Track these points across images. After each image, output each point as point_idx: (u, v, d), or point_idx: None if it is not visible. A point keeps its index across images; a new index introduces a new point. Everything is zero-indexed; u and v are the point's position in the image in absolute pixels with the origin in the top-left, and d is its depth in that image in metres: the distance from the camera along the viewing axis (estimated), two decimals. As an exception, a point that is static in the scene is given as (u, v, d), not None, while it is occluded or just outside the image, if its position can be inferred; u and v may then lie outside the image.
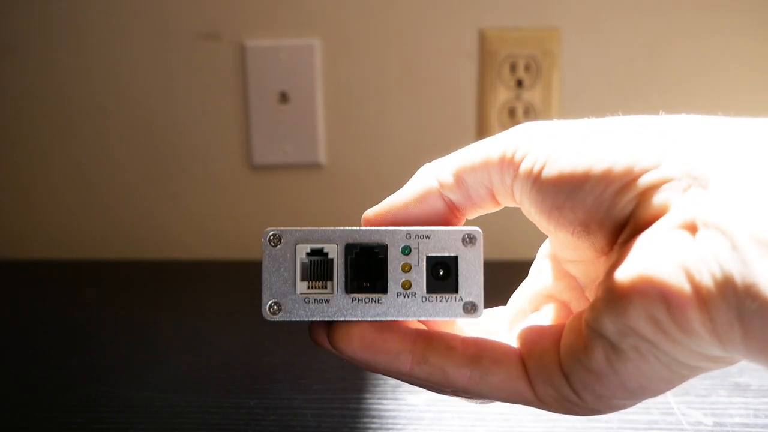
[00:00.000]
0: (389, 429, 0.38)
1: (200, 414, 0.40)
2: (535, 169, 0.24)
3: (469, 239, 0.25)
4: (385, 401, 0.41)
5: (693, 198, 0.21)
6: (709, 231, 0.20)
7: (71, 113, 0.76)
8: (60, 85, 0.76)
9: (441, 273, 0.25)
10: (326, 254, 0.25)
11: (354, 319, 0.25)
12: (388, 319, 0.25)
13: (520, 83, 0.71)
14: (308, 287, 0.25)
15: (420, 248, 0.25)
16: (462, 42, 0.72)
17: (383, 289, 0.25)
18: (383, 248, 0.25)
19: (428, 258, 0.25)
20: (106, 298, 0.64)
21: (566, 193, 0.23)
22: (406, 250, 0.25)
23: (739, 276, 0.19)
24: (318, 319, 0.25)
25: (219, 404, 0.41)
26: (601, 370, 0.23)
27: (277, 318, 0.25)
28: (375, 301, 0.25)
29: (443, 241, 0.25)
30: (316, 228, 0.25)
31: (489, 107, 0.72)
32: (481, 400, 0.27)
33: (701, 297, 0.20)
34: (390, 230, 0.25)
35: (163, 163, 0.77)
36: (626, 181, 0.22)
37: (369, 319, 0.25)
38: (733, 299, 0.19)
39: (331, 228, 0.25)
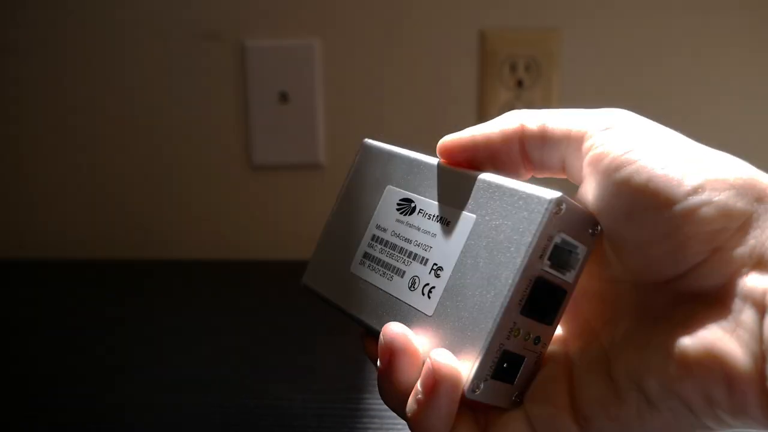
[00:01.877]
0: (389, 429, 0.38)
1: (200, 414, 0.40)
2: (625, 170, 0.23)
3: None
4: (385, 401, 0.41)
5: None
6: None
7: (71, 113, 0.76)
8: (60, 85, 0.76)
9: (505, 366, 0.24)
10: (577, 250, 0.24)
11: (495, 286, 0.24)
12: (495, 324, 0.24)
13: (520, 83, 0.71)
14: (550, 262, 0.24)
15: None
16: (462, 42, 0.72)
17: (549, 320, 0.25)
18: (563, 293, 0.25)
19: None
20: (106, 298, 0.64)
21: (645, 207, 0.22)
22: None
23: None
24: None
25: (219, 404, 0.41)
26: (630, 421, 0.23)
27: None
28: (516, 301, 0.24)
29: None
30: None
31: (489, 107, 0.72)
32: None
33: (764, 384, 0.19)
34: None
35: (163, 163, 0.77)
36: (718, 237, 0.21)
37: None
38: None
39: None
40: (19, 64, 0.75)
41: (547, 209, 0.23)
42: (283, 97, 0.74)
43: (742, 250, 0.21)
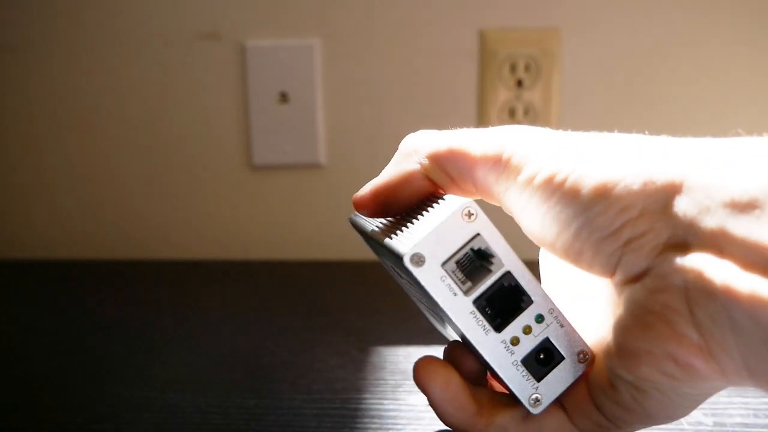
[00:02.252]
0: (389, 429, 0.38)
1: (200, 414, 0.40)
2: (556, 179, 0.23)
3: (584, 357, 0.26)
4: (385, 401, 0.41)
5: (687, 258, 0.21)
6: (704, 286, 0.20)
7: (71, 113, 0.76)
8: (60, 85, 0.76)
9: (542, 357, 0.26)
10: (491, 261, 0.25)
11: (451, 329, 0.27)
12: (473, 347, 0.26)
13: (520, 83, 0.71)
14: (453, 269, 0.24)
15: (548, 328, 0.26)
16: (462, 42, 0.72)
17: (498, 328, 0.25)
18: (529, 300, 0.25)
19: (545, 339, 0.26)
20: (106, 298, 0.64)
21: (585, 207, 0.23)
22: (539, 319, 0.25)
23: (736, 326, 0.19)
24: (425, 298, 0.26)
25: (219, 404, 0.41)
26: (628, 405, 0.24)
27: (411, 270, 0.24)
28: (483, 329, 0.25)
29: (565, 341, 0.26)
30: (504, 241, 0.25)
31: (489, 107, 0.72)
32: None
33: (706, 349, 0.20)
34: (544, 296, 0.25)
35: (163, 162, 0.77)
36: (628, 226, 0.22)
37: (457, 337, 0.27)
38: (736, 350, 0.20)
39: (512, 250, 0.25)
40: (18, 63, 0.75)
41: (411, 261, 0.24)
42: (283, 97, 0.74)
43: (653, 237, 0.21)
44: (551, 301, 0.26)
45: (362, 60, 0.73)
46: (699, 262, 0.20)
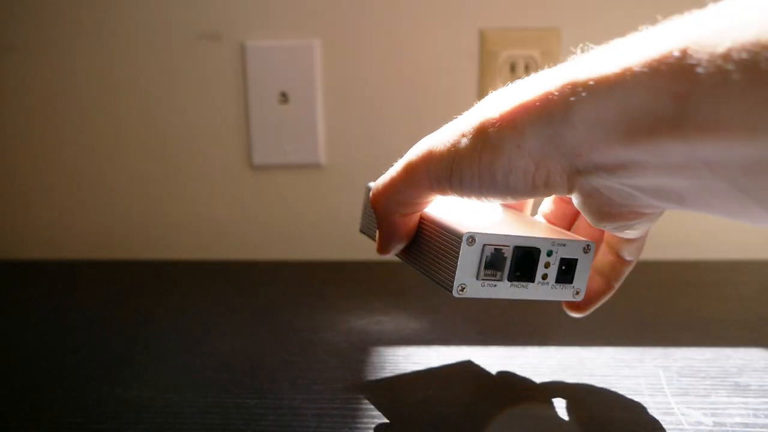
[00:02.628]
0: (389, 429, 0.38)
1: (200, 414, 0.40)
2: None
3: (587, 248, 0.36)
4: (385, 401, 0.41)
5: None
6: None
7: (71, 113, 0.76)
8: (60, 85, 0.76)
9: (564, 269, 0.36)
10: (503, 252, 0.34)
11: (509, 298, 0.35)
12: (528, 299, 0.35)
13: (520, 83, 0.71)
14: (485, 275, 0.34)
15: (557, 253, 0.35)
16: (462, 42, 0.72)
17: (531, 279, 0.35)
18: (537, 251, 0.35)
19: (561, 259, 0.35)
20: (106, 298, 0.64)
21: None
22: (550, 253, 0.35)
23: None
24: (486, 297, 0.35)
25: (219, 404, 0.41)
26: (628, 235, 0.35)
27: (462, 295, 0.34)
28: (524, 287, 0.35)
29: (572, 248, 0.35)
30: (497, 233, 0.34)
31: (489, 107, 0.72)
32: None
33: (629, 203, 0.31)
34: (543, 237, 0.35)
35: (163, 163, 0.77)
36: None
37: (517, 298, 0.35)
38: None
39: (506, 234, 0.34)
40: (18, 62, 0.75)
41: (458, 291, 0.34)
42: (283, 97, 0.74)
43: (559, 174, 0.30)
44: (547, 234, 0.36)
45: (362, 60, 0.73)
46: (591, 180, 0.30)
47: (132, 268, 0.74)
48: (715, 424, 0.38)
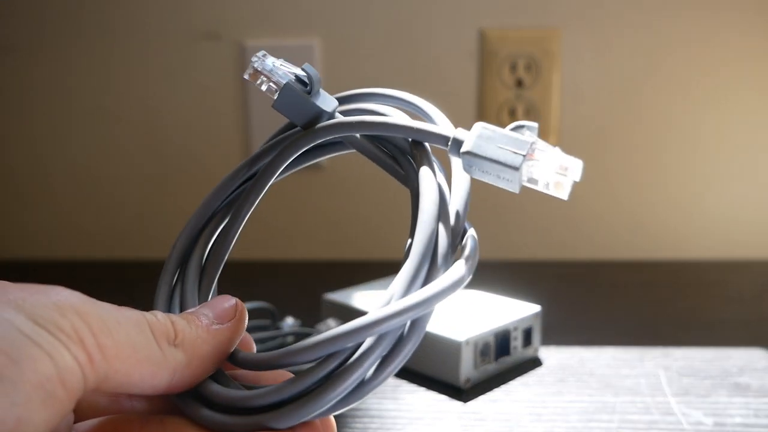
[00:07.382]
0: (389, 429, 0.38)
1: (200, 414, 0.40)
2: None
3: None
4: (385, 401, 0.41)
5: None
6: None
7: (71, 113, 0.76)
8: (60, 85, 0.76)
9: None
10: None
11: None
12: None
13: (520, 83, 0.71)
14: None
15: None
16: (462, 42, 0.72)
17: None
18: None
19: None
20: (106, 298, 0.64)
21: None
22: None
23: None
24: None
25: (219, 404, 0.41)
26: None
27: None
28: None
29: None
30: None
31: (489, 107, 0.72)
32: None
33: None
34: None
35: (163, 163, 0.77)
36: None
37: None
38: None
39: None
40: (17, 62, 0.75)
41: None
42: (283, 97, 0.74)
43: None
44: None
45: (362, 60, 0.73)
46: None
47: (132, 268, 0.74)
48: (715, 424, 0.38)
